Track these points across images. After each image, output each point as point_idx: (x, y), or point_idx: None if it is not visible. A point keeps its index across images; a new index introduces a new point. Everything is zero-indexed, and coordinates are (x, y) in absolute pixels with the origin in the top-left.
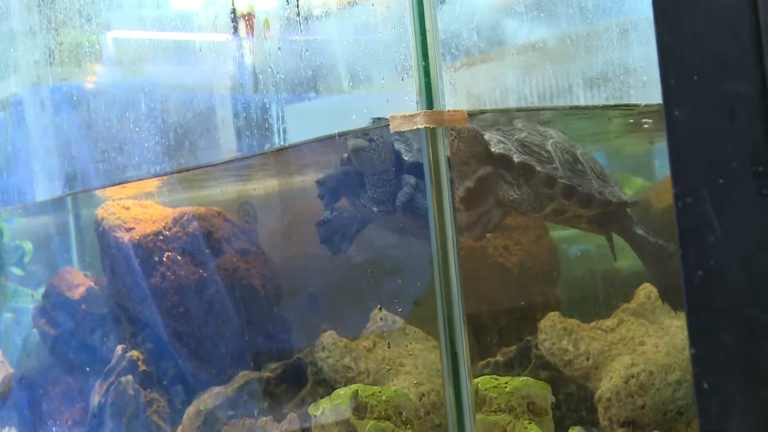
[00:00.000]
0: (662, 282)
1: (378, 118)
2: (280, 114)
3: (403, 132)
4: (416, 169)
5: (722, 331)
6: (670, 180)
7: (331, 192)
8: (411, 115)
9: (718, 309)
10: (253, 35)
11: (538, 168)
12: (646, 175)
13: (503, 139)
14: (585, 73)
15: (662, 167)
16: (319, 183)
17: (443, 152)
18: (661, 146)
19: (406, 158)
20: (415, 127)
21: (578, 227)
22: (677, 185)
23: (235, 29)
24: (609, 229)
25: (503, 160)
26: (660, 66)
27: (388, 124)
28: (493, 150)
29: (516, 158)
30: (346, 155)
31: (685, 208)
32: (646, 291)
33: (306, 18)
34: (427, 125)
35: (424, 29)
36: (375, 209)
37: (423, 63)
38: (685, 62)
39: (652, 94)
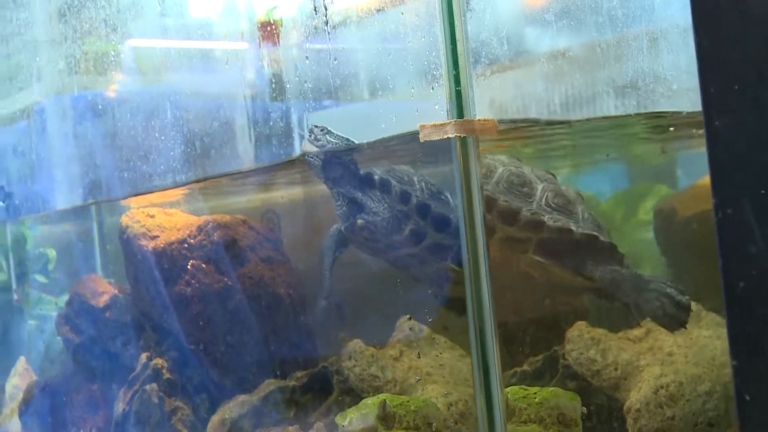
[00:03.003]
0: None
1: (316, 126)
2: (307, 122)
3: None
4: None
5: (764, 342)
6: (711, 190)
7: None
8: (441, 125)
9: (760, 320)
10: (279, 44)
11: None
12: (671, 183)
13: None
14: (614, 82)
15: (687, 175)
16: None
17: (474, 161)
18: (684, 154)
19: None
20: (445, 137)
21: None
22: (717, 195)
23: (262, 38)
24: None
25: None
26: (699, 75)
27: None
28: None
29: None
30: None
31: (725, 218)
32: None
33: (334, 26)
34: (458, 134)
35: (455, 37)
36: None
37: (453, 71)
38: (725, 71)
39: (682, 103)
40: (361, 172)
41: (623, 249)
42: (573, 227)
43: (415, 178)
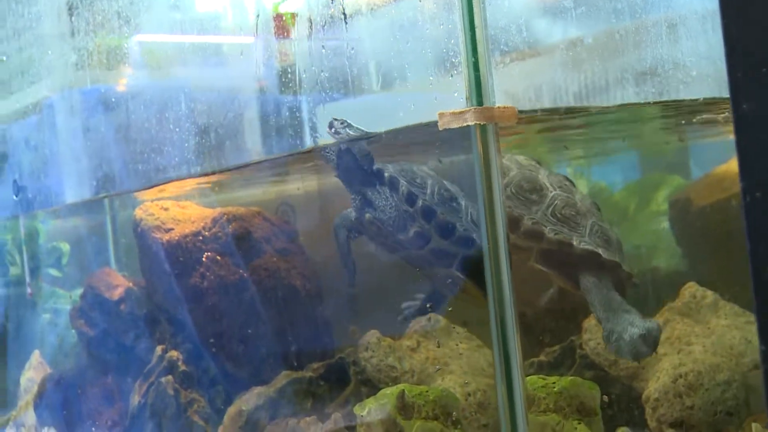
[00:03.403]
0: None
1: (336, 119)
2: (320, 114)
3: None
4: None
5: None
6: (738, 174)
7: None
8: (460, 112)
9: None
10: (289, 36)
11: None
12: (684, 173)
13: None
14: (633, 69)
15: (699, 165)
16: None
17: (494, 149)
18: (699, 144)
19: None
20: (464, 124)
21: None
22: (745, 179)
23: (277, 29)
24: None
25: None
26: (727, 58)
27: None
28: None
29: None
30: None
31: (753, 202)
32: (691, 290)
33: (351, 15)
34: (478, 122)
35: (473, 24)
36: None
37: (472, 59)
38: (753, 54)
39: (700, 90)
40: (376, 167)
41: (637, 240)
42: (574, 241)
43: (430, 181)
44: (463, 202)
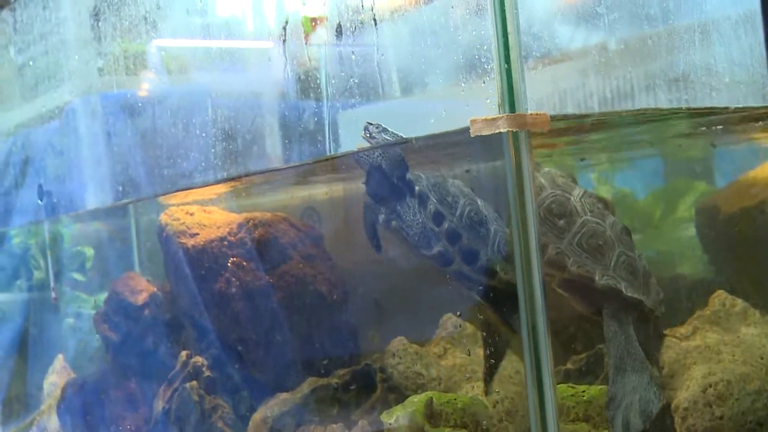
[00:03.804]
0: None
1: (371, 123)
2: (353, 119)
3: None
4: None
5: None
6: None
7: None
8: (493, 119)
9: None
10: (311, 40)
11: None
12: (709, 180)
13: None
14: (666, 75)
15: (725, 172)
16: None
17: (526, 156)
18: (723, 150)
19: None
20: (497, 131)
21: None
22: None
23: (306, 35)
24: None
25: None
26: None
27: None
28: None
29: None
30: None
31: None
32: (721, 299)
33: (381, 20)
34: (510, 129)
35: (507, 31)
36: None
37: (505, 65)
38: None
39: (732, 97)
40: (409, 176)
41: (662, 246)
42: (596, 276)
43: (461, 201)
44: (492, 228)
